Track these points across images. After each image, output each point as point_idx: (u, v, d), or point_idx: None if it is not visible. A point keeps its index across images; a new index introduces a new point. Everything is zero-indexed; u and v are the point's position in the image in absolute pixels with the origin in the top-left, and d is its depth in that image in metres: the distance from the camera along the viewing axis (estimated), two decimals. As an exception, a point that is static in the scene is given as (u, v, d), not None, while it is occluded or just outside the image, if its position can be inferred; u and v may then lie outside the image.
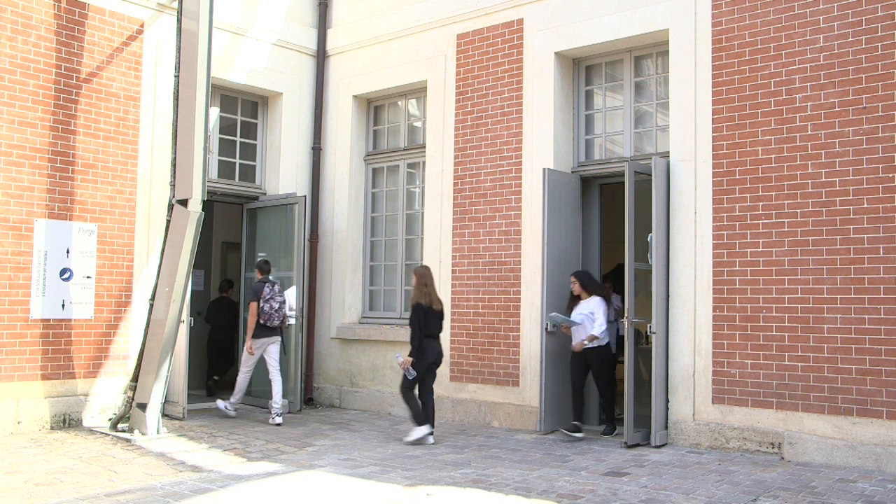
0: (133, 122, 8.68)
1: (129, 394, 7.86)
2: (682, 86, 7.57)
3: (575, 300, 7.98)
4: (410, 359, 7.52)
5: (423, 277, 7.74)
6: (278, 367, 8.85)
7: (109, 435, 7.71)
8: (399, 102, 10.30)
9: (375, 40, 10.05)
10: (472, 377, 8.84)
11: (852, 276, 6.58)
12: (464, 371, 8.91)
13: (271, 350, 8.83)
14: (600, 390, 7.97)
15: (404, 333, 9.34)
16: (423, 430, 7.48)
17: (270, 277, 8.96)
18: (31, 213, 7.91)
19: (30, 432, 7.73)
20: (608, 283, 8.81)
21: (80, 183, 8.27)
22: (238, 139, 10.24)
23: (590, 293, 7.91)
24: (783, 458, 6.77)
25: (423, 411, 7.58)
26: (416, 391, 7.64)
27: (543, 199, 8.03)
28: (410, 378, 7.56)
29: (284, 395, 8.85)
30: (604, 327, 7.74)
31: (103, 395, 8.35)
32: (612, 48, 8.34)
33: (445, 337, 9.01)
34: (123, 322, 8.55)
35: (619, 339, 8.46)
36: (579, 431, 7.69)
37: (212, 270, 12.11)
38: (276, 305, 8.78)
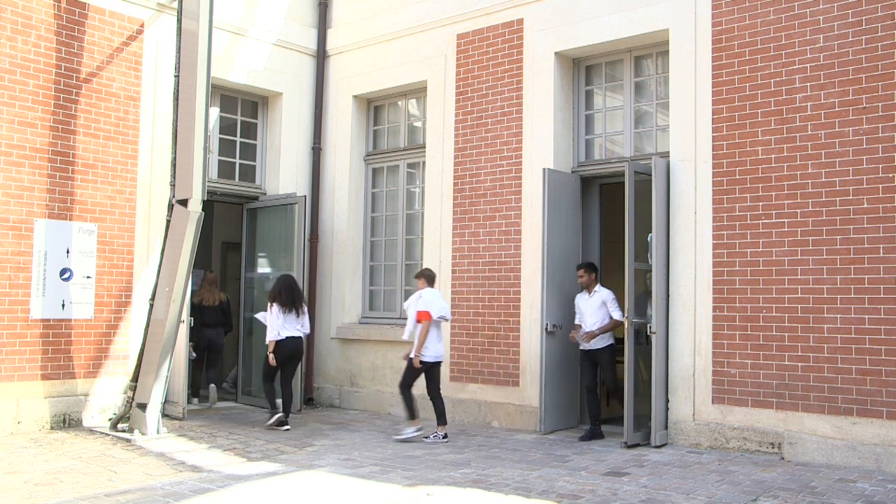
0: (133, 122, 8.68)
1: (129, 394, 7.86)
2: (682, 86, 7.57)
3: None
4: (192, 342, 9.39)
5: (203, 281, 10.24)
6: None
7: (109, 435, 7.71)
8: (399, 102, 10.30)
9: (375, 40, 10.05)
10: (472, 377, 8.84)
11: (852, 276, 6.58)
12: (464, 371, 8.91)
13: None
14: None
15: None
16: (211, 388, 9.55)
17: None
18: (31, 213, 7.91)
19: (30, 432, 7.73)
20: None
21: (80, 183, 8.27)
22: (238, 139, 10.24)
23: None
24: (783, 458, 6.77)
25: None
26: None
27: (543, 199, 8.03)
28: (192, 360, 9.68)
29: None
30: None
31: (103, 395, 8.35)
32: (612, 48, 8.34)
33: (445, 337, 9.01)
34: (123, 322, 8.55)
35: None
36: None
37: (212, 270, 12.04)
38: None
